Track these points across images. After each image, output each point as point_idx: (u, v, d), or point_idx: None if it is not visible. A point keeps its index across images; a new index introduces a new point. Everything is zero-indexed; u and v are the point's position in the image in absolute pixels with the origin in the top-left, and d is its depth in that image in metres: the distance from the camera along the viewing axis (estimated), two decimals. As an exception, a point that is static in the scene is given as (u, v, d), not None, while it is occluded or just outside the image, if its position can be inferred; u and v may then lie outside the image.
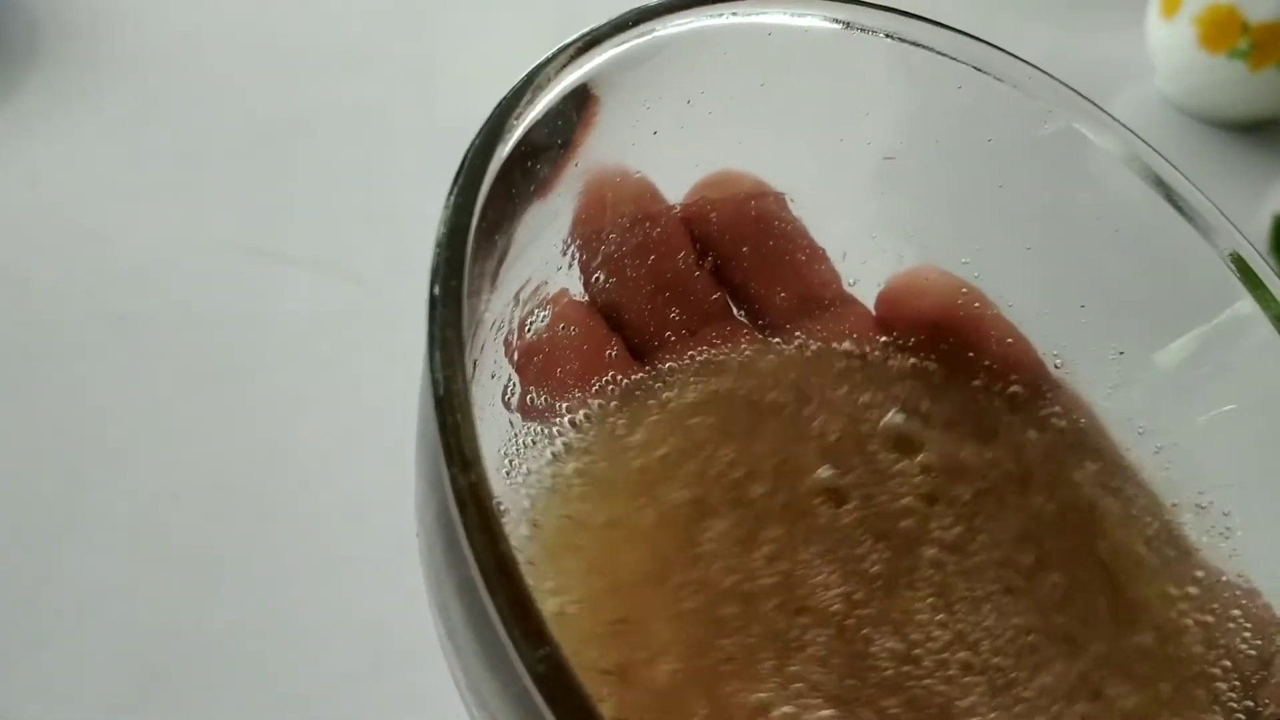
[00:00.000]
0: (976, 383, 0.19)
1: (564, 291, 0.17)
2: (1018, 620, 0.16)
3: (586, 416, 0.17)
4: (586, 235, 0.17)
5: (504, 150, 0.14)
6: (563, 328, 0.17)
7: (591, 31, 0.16)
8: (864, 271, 0.20)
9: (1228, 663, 0.16)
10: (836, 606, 0.15)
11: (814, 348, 0.19)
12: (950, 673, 0.15)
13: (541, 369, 0.16)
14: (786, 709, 0.14)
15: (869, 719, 0.14)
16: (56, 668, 0.26)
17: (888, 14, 0.18)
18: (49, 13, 0.46)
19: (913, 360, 0.19)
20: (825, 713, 0.14)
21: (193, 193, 0.40)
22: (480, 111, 0.16)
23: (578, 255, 0.17)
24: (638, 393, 0.17)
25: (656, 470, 0.16)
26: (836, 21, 0.18)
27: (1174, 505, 0.18)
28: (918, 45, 0.18)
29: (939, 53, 0.18)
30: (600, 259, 0.17)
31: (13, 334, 0.33)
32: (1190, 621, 0.16)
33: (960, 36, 0.18)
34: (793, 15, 0.18)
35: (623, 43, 0.16)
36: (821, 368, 0.19)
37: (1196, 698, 0.16)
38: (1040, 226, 0.19)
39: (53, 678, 0.26)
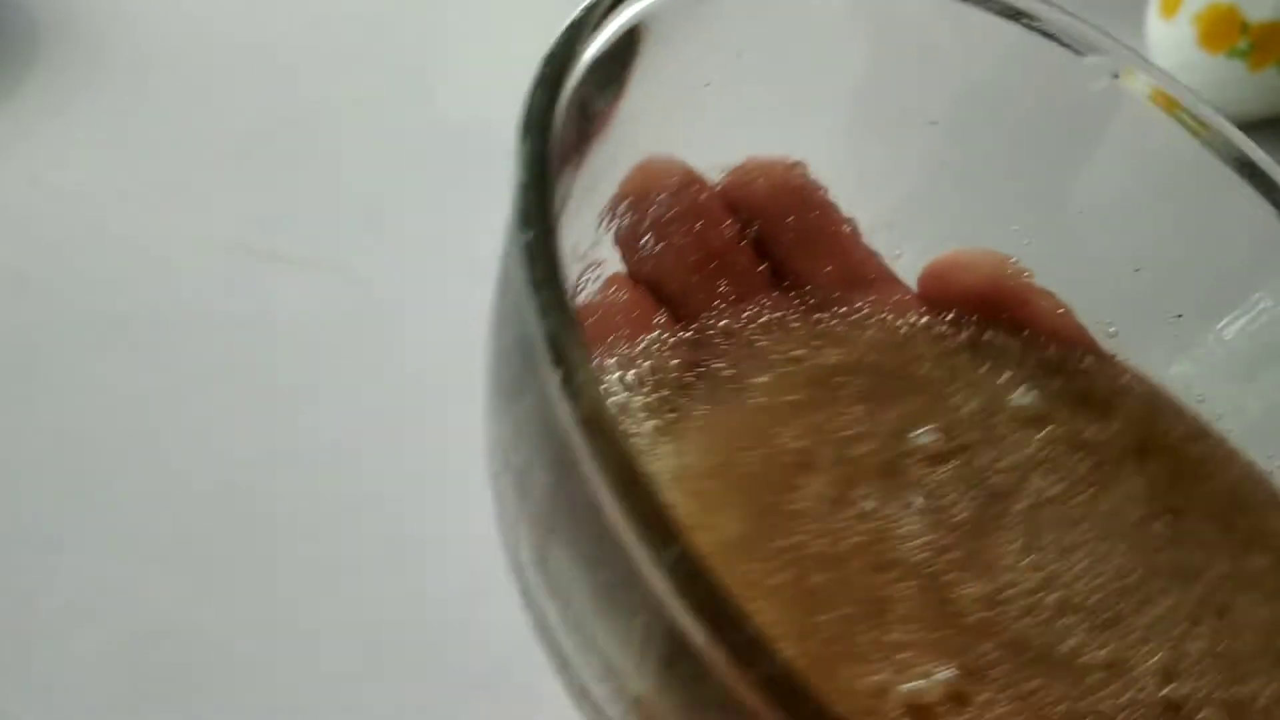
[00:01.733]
0: (1071, 357, 0.19)
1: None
2: (1118, 561, 0.15)
3: (660, 377, 0.16)
4: (632, 202, 0.16)
5: (569, 84, 0.14)
6: (615, 290, 0.17)
7: None
8: (909, 246, 0.20)
9: None
10: (922, 556, 0.15)
11: (928, 325, 0.19)
12: (1045, 615, 0.15)
13: (593, 331, 0.16)
14: (905, 687, 0.14)
15: (975, 666, 0.14)
16: (56, 668, 0.26)
17: None
18: (49, 12, 0.46)
19: (1020, 338, 0.19)
20: (943, 675, 0.14)
21: (193, 192, 0.40)
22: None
23: (623, 220, 0.17)
24: (726, 347, 0.17)
25: (775, 414, 0.16)
26: None
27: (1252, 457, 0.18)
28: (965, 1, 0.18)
29: (986, 9, 0.18)
30: (646, 225, 0.17)
31: (11, 333, 0.33)
32: None
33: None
34: None
35: None
36: (945, 346, 0.18)
37: None
38: (1089, 188, 0.19)
39: (52, 678, 0.26)
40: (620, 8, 0.15)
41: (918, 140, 0.19)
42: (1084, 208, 0.19)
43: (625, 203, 0.16)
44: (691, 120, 0.17)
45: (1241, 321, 0.18)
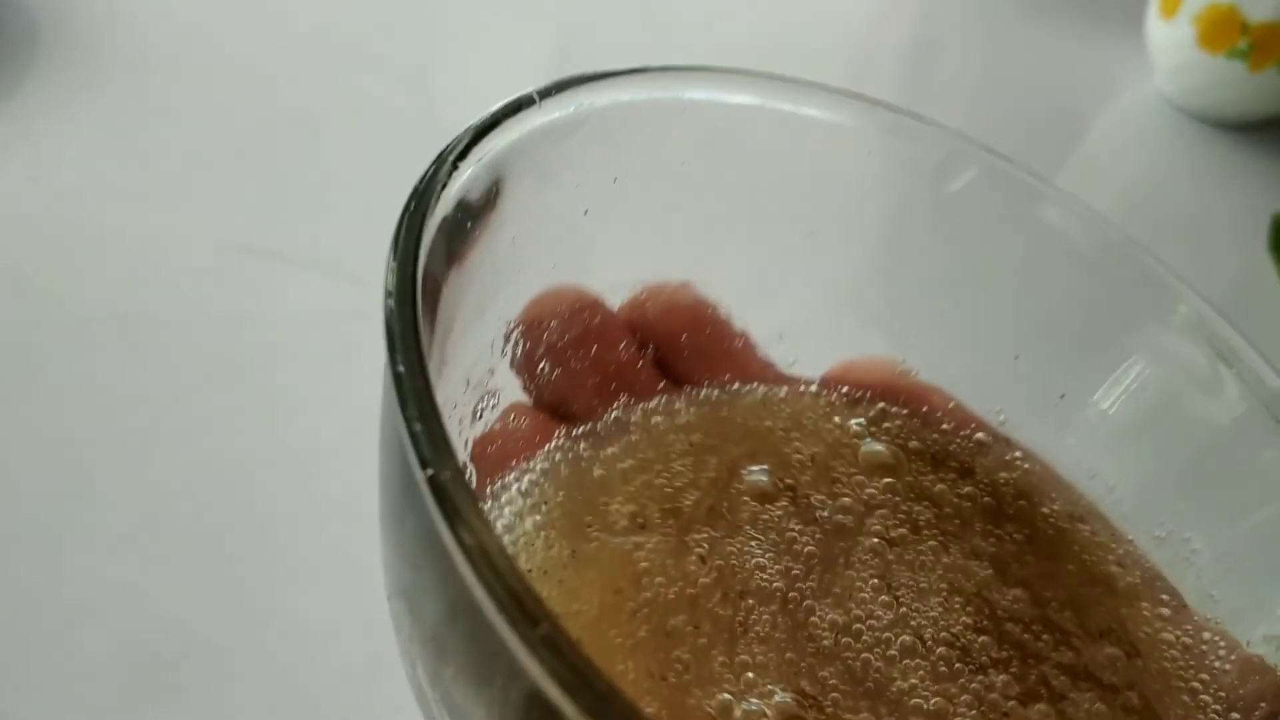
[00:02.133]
0: (945, 427, 0.19)
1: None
2: (969, 619, 0.16)
3: (543, 472, 0.17)
4: (526, 330, 0.17)
5: (433, 220, 0.14)
6: (513, 419, 0.17)
7: (514, 101, 0.16)
8: (802, 351, 0.20)
9: (1205, 676, 0.16)
10: (777, 584, 0.16)
11: (817, 393, 0.19)
12: (890, 652, 0.15)
13: (495, 459, 0.17)
14: (745, 705, 0.14)
15: (811, 691, 0.14)
16: (56, 668, 0.26)
17: (800, 87, 0.18)
18: (49, 13, 0.46)
19: (882, 405, 0.20)
20: (779, 699, 0.14)
21: (193, 192, 0.40)
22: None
23: (521, 346, 0.17)
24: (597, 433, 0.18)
25: (608, 484, 0.17)
26: (755, 97, 0.18)
27: (1132, 540, 0.18)
28: (823, 117, 0.19)
29: (846, 124, 0.19)
30: (543, 351, 0.17)
31: (11, 332, 0.33)
32: (1164, 637, 0.16)
33: (868, 104, 0.19)
34: (711, 91, 0.18)
35: (547, 114, 0.16)
36: (803, 403, 0.19)
37: (1173, 706, 0.15)
38: (965, 282, 0.19)
39: (52, 678, 0.26)
40: (484, 141, 0.15)
41: (800, 251, 0.19)
42: (960, 301, 0.20)
43: (519, 330, 0.17)
44: (576, 246, 0.17)
45: (1119, 390, 0.18)
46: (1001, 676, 0.15)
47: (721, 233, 0.19)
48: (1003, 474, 0.19)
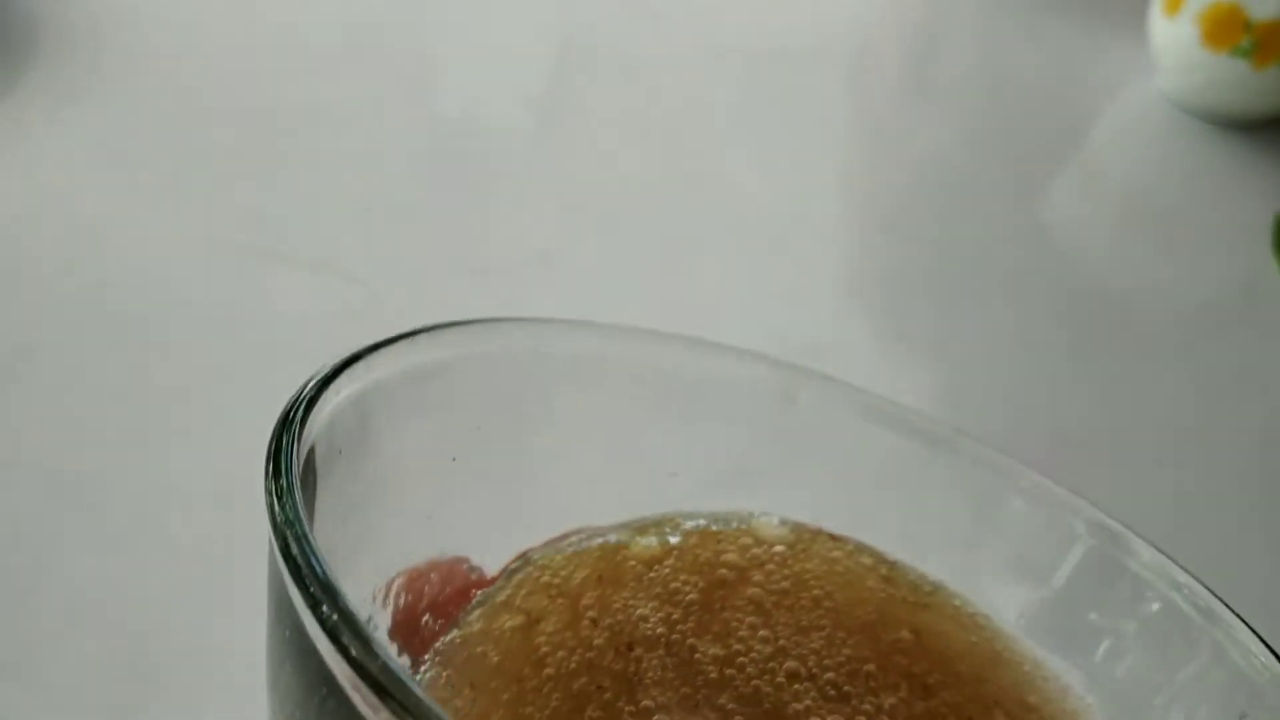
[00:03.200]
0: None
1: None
2: (853, 652, 0.17)
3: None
4: (405, 584, 0.17)
5: (301, 450, 0.15)
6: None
7: (376, 343, 0.17)
8: None
9: None
10: (660, 630, 0.17)
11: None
12: (778, 679, 0.16)
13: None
14: None
15: (716, 718, 0.15)
16: (55, 668, 0.26)
17: (641, 336, 0.19)
18: (47, 10, 0.46)
19: None
20: None
21: (191, 191, 0.40)
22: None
23: (398, 603, 0.17)
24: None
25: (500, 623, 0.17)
26: (597, 344, 0.19)
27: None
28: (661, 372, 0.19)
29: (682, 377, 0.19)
30: (424, 606, 0.18)
31: (9, 332, 0.33)
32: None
33: (713, 348, 0.19)
34: (556, 338, 0.19)
35: (414, 355, 0.17)
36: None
37: None
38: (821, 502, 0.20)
39: (52, 678, 0.26)
40: (351, 373, 0.16)
41: (663, 489, 0.20)
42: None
43: (398, 585, 0.17)
44: (445, 491, 0.18)
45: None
46: (891, 700, 0.16)
47: (590, 478, 0.19)
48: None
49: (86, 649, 0.26)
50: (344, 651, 0.10)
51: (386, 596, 0.16)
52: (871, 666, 0.17)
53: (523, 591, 0.17)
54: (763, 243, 0.42)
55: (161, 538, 0.29)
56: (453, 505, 0.17)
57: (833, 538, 0.19)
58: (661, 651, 0.16)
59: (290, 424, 0.15)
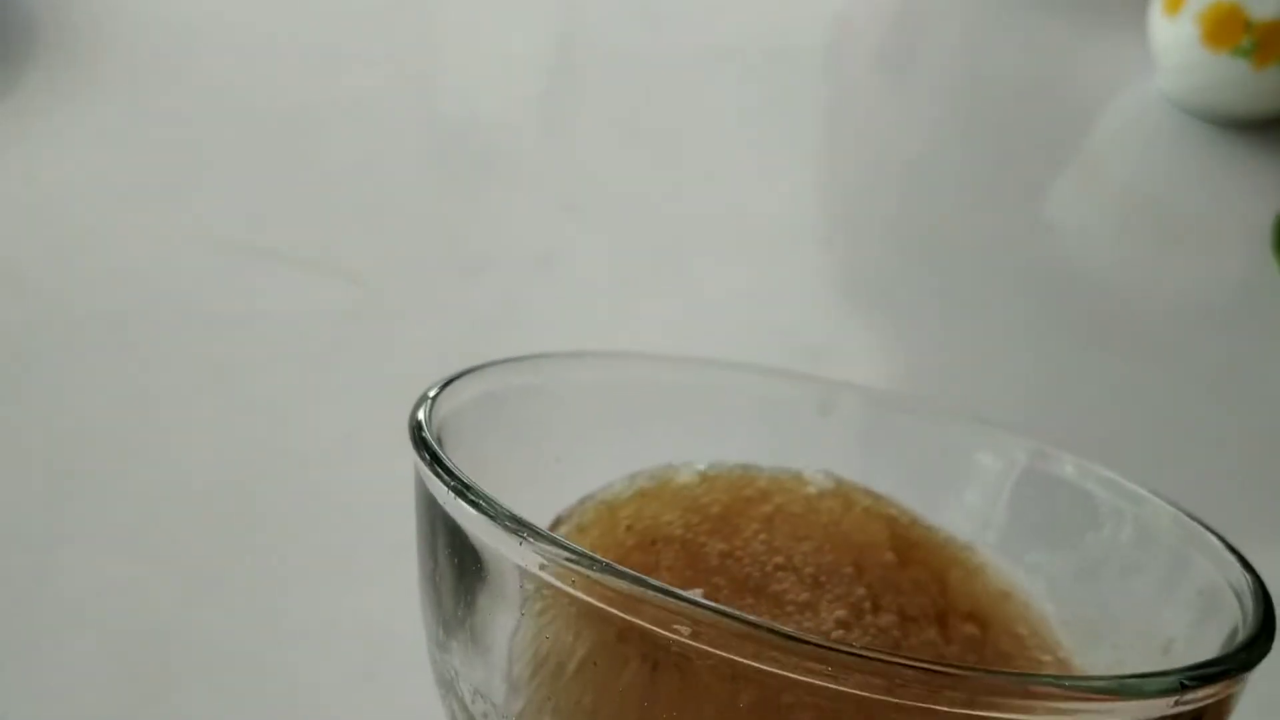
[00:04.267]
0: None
1: None
2: (832, 557, 0.20)
3: None
4: None
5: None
6: None
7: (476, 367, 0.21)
8: None
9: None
10: (678, 531, 0.20)
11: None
12: (766, 568, 0.19)
13: None
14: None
15: (707, 592, 0.19)
16: (55, 668, 0.26)
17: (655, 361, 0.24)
18: (46, 10, 0.46)
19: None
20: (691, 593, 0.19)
21: (190, 191, 0.40)
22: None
23: None
24: None
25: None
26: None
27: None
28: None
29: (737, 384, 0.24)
30: None
31: (8, 332, 0.33)
32: (1018, 630, 0.20)
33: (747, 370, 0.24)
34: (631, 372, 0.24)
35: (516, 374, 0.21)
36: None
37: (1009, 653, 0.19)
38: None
39: (51, 678, 0.26)
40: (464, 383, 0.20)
41: None
42: None
43: None
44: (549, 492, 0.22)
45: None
46: (860, 590, 0.19)
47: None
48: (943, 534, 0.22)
49: (84, 649, 0.26)
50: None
51: None
52: (849, 569, 0.20)
53: (581, 509, 0.21)
54: (763, 242, 0.42)
55: (162, 537, 0.29)
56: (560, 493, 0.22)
57: (871, 493, 0.22)
58: (677, 546, 0.20)
59: (424, 401, 0.19)
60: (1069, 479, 0.21)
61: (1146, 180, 0.49)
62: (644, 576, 0.13)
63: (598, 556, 0.13)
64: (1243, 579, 0.16)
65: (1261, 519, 0.35)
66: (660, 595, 0.13)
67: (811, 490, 0.22)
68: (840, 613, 0.18)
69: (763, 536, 0.20)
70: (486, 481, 0.18)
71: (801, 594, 0.19)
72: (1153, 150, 0.50)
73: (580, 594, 0.13)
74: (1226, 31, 0.47)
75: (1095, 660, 0.20)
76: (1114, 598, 0.20)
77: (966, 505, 0.22)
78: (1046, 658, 0.20)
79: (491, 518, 0.15)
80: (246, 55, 0.46)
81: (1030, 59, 0.55)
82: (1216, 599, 0.17)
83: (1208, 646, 0.16)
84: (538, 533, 0.14)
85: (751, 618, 0.12)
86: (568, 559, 0.13)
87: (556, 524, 0.21)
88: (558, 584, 0.14)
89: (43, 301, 0.35)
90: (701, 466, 0.22)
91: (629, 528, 0.20)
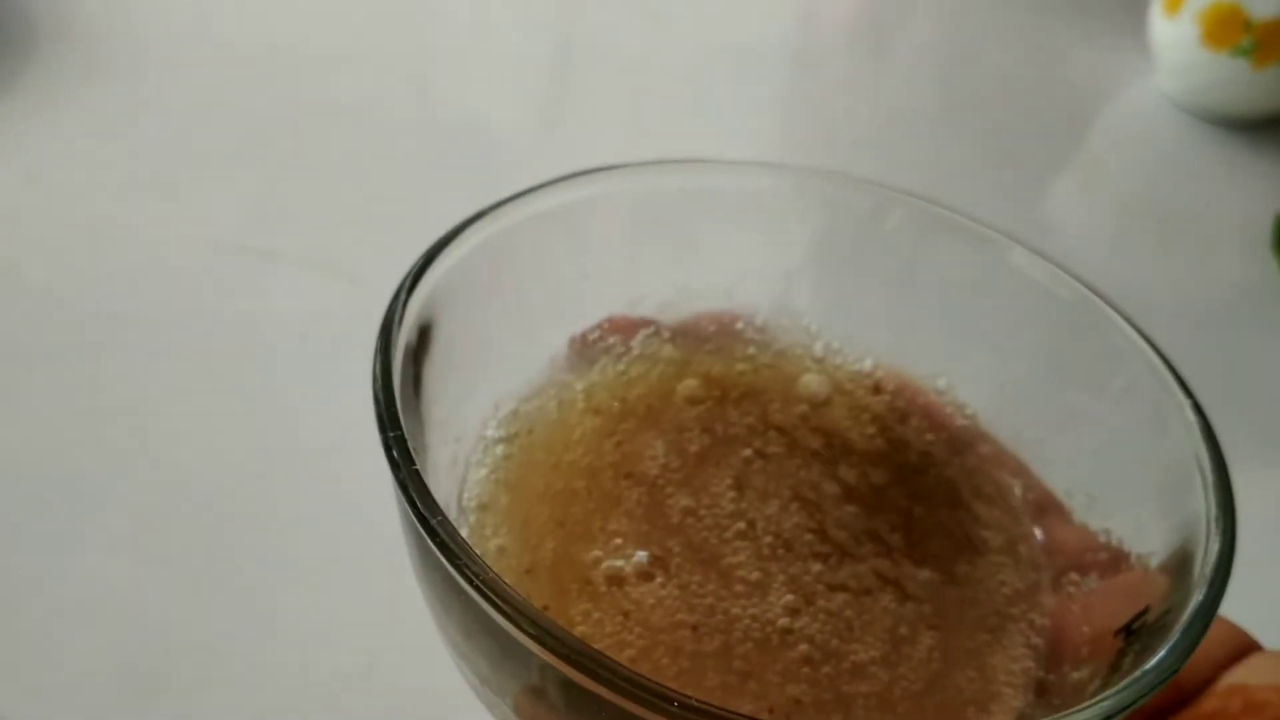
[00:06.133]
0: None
1: None
2: (800, 520, 0.20)
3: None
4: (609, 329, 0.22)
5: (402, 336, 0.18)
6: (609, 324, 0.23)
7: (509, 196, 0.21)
8: None
9: (1034, 619, 0.19)
10: (654, 472, 0.20)
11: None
12: (725, 535, 0.19)
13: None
14: (611, 562, 0.18)
15: (660, 554, 0.19)
16: (56, 668, 0.26)
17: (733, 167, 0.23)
18: (46, 12, 0.46)
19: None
20: (636, 558, 0.18)
21: (190, 191, 0.40)
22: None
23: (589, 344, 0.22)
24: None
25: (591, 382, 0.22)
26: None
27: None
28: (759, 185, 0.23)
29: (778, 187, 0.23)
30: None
31: (9, 332, 0.33)
32: (1001, 578, 0.19)
33: (792, 171, 0.23)
34: (667, 179, 0.23)
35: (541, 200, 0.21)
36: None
37: (968, 633, 0.18)
38: (919, 301, 0.23)
39: (53, 678, 0.26)
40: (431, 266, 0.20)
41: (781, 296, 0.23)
42: (916, 318, 0.23)
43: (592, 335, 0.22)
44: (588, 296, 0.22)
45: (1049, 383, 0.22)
46: (817, 566, 0.19)
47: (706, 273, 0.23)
48: (929, 436, 0.22)
49: (85, 648, 0.26)
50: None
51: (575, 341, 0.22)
52: (809, 537, 0.19)
53: (606, 377, 0.22)
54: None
55: (163, 536, 0.29)
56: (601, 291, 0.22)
57: (876, 389, 0.22)
58: (644, 490, 0.20)
59: (400, 290, 0.19)
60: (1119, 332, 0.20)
61: (1146, 180, 0.49)
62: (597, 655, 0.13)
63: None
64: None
65: (1264, 520, 0.35)
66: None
67: (804, 409, 0.21)
68: (789, 598, 0.18)
69: (731, 494, 0.20)
70: (509, 310, 0.19)
71: (753, 572, 0.18)
72: (1152, 150, 0.50)
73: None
74: (1226, 31, 0.47)
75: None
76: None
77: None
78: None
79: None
80: (247, 56, 0.46)
81: (1030, 60, 0.55)
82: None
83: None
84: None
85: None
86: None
87: (606, 363, 0.21)
88: None
89: (44, 301, 0.35)
90: (694, 379, 0.22)
91: (619, 444, 0.20)
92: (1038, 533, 0.20)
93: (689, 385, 0.22)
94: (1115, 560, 0.19)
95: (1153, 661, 0.14)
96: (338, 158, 0.42)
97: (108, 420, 0.31)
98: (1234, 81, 0.48)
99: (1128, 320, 0.20)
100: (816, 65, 0.54)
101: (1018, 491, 0.21)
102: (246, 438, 0.31)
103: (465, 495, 0.20)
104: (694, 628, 0.17)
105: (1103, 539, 0.19)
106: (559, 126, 0.46)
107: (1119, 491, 0.20)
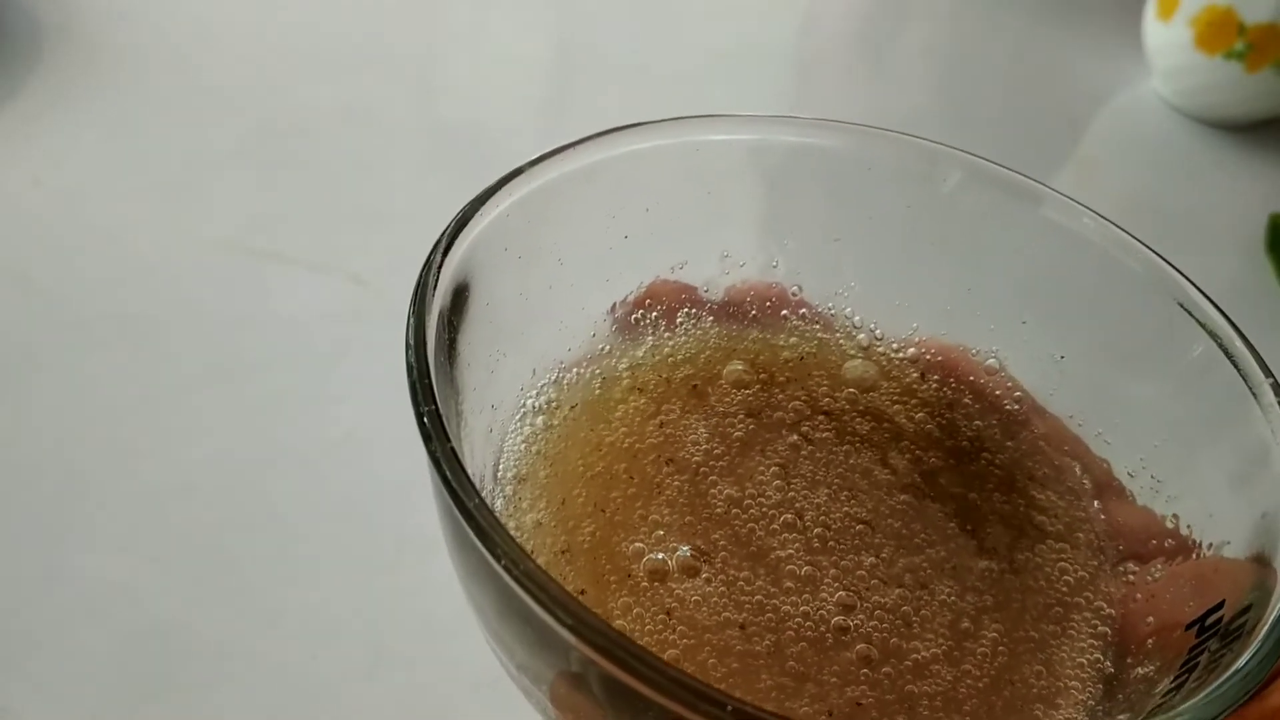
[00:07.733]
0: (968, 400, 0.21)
1: None
2: (848, 510, 0.19)
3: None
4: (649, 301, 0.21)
5: (436, 304, 0.17)
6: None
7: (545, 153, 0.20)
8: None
9: (1102, 607, 0.18)
10: (696, 458, 0.19)
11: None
12: (773, 526, 0.18)
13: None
14: (653, 555, 0.17)
15: (705, 548, 0.17)
16: (56, 668, 0.26)
17: (798, 123, 0.21)
18: (51, 14, 0.46)
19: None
20: (680, 553, 0.17)
21: (194, 192, 0.40)
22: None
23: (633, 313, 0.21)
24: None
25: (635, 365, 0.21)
26: (754, 136, 0.21)
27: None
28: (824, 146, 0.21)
29: (835, 146, 0.21)
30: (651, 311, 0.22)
31: (13, 332, 0.33)
32: (1061, 565, 0.18)
33: (850, 128, 0.21)
34: (714, 134, 0.21)
35: (576, 159, 0.20)
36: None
37: (1033, 623, 0.17)
38: (974, 269, 0.22)
39: (53, 678, 0.26)
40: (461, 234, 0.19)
41: (823, 258, 0.22)
42: (971, 285, 0.22)
43: (635, 305, 0.21)
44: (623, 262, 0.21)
45: (1112, 358, 0.21)
46: (870, 559, 0.18)
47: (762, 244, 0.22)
48: (976, 423, 0.21)
49: (87, 648, 0.26)
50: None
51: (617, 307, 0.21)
52: (860, 528, 0.18)
53: (651, 356, 0.21)
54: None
55: (165, 535, 0.29)
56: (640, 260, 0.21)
57: (924, 372, 0.21)
58: (686, 478, 0.19)
59: (435, 251, 0.18)
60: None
61: (1141, 181, 0.49)
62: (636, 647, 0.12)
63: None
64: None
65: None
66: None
67: (851, 392, 0.20)
68: (841, 594, 0.17)
69: (777, 483, 0.18)
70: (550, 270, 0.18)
71: (803, 566, 0.17)
72: (1147, 152, 0.50)
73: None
74: (1220, 35, 0.47)
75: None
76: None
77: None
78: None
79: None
80: (251, 59, 0.47)
81: (1027, 62, 0.55)
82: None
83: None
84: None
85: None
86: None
87: (649, 346, 0.20)
88: None
89: (49, 302, 0.35)
90: (740, 363, 0.21)
91: (661, 425, 0.19)
92: (1099, 515, 0.19)
93: (735, 369, 0.21)
94: (1182, 548, 0.18)
95: (1240, 665, 0.13)
96: (341, 158, 0.42)
97: (112, 419, 0.31)
98: (1228, 84, 0.48)
99: (1202, 292, 0.18)
100: (817, 66, 0.54)
101: (1077, 472, 0.20)
102: (250, 437, 0.32)
103: (502, 466, 0.19)
104: (742, 626, 0.16)
105: (1169, 525, 0.18)
106: (559, 127, 0.47)
107: (1187, 475, 0.18)
